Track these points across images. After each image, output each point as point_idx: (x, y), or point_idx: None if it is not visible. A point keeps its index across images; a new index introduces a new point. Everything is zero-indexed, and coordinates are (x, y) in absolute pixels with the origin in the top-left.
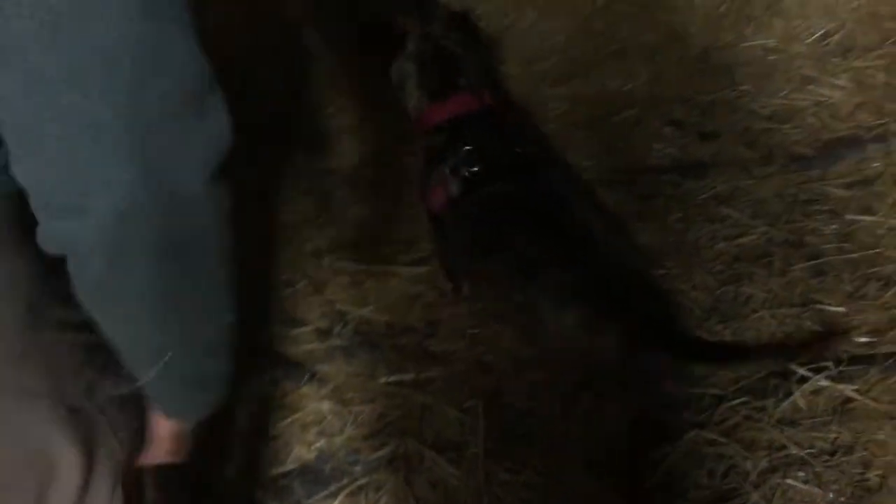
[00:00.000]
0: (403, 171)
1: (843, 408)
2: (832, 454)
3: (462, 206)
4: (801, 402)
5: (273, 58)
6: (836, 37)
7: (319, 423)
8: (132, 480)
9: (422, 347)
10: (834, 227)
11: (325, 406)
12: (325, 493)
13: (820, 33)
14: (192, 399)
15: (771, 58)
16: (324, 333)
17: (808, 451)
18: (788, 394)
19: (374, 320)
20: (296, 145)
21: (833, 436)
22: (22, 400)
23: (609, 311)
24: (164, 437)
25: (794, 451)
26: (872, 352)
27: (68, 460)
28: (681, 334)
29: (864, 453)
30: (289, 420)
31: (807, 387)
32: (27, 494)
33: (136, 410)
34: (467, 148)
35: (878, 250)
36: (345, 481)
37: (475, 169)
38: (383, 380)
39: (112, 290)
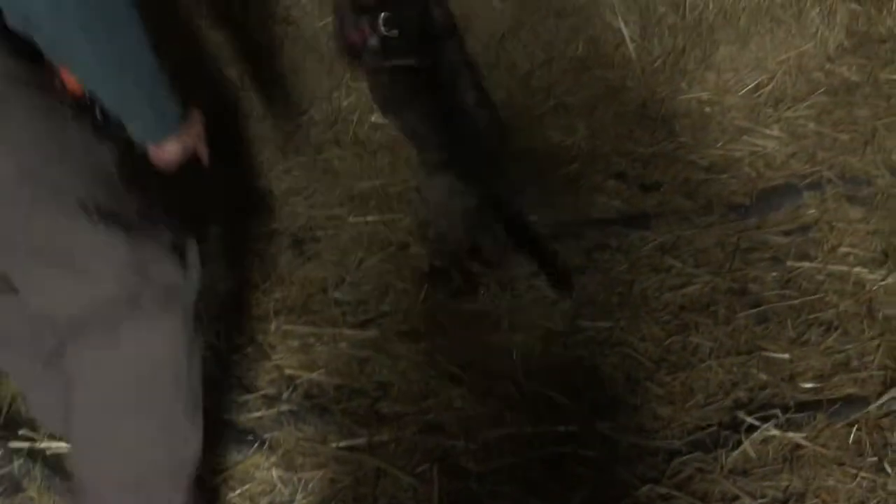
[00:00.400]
0: (350, 234)
1: (792, 455)
2: (784, 502)
3: (376, 67)
4: (752, 452)
5: (216, 121)
6: (767, 88)
7: (269, 493)
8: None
9: (373, 410)
10: (774, 274)
11: (275, 474)
12: None
13: (751, 85)
14: (150, 120)
15: (706, 110)
16: (273, 399)
17: (761, 500)
18: (738, 444)
19: (323, 384)
20: (241, 208)
21: (784, 484)
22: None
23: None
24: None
25: (746, 500)
26: (818, 398)
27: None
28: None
29: (816, 500)
30: (238, 491)
31: (756, 436)
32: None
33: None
34: (387, 14)
35: (818, 296)
36: None
37: (392, 32)
38: (334, 445)
39: (66, 47)
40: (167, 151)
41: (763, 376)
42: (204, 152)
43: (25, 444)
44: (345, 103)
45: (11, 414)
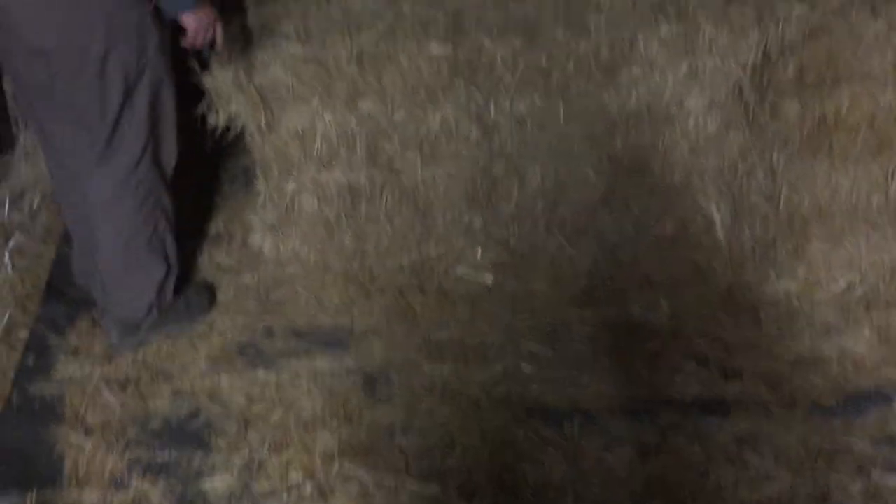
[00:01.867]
0: (423, 381)
1: None
2: None
3: None
4: None
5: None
6: (860, 290)
7: None
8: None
9: None
10: (859, 485)
11: None
12: None
13: (843, 284)
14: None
15: (794, 303)
16: None
17: None
18: None
19: None
20: (316, 345)
21: None
22: None
23: None
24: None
25: None
26: None
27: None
28: None
29: None
30: None
31: None
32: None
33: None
34: None
35: None
36: None
37: None
38: None
39: None
40: (187, 22)
41: None
42: (219, 35)
43: None
44: (433, 253)
45: None
